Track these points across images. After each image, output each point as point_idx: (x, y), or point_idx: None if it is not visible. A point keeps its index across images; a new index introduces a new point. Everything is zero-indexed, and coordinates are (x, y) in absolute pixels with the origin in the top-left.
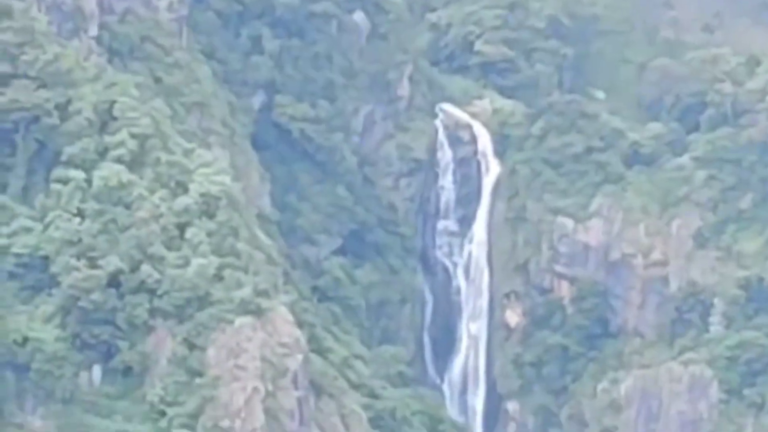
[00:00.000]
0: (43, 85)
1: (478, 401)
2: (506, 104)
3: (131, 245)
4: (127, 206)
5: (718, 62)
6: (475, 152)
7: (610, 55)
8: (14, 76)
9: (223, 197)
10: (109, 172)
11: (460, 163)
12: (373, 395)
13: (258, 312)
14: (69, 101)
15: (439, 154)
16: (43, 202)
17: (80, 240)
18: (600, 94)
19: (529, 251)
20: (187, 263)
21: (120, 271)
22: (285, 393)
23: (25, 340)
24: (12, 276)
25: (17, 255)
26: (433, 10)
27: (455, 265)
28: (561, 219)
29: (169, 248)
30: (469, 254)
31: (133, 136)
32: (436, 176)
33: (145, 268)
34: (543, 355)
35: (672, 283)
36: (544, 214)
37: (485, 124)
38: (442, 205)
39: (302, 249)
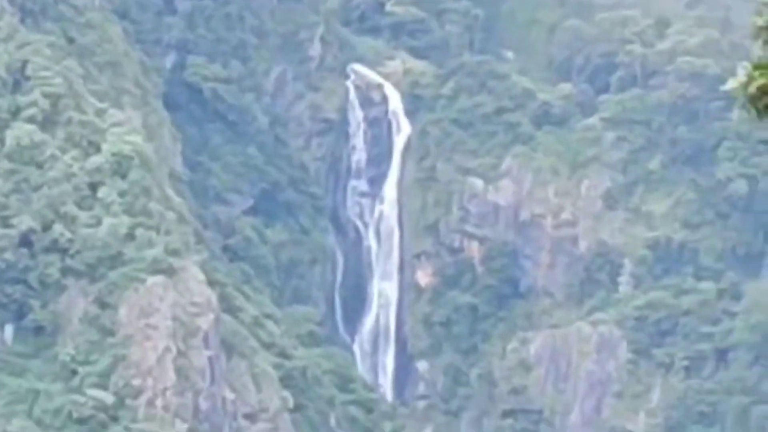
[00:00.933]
0: None
1: (388, 360)
2: (417, 65)
3: (43, 205)
4: (40, 166)
5: (628, 23)
6: (386, 112)
7: (521, 15)
8: None
9: (135, 157)
10: (21, 131)
11: (371, 123)
12: (284, 355)
13: (169, 271)
14: None
15: (350, 115)
16: None
17: None
18: (510, 55)
19: (440, 211)
20: (99, 223)
21: (32, 231)
22: (196, 352)
23: None
24: None
25: None
26: None
27: (366, 225)
28: (471, 179)
29: (81, 208)
30: (380, 214)
31: (45, 95)
32: (347, 136)
33: (57, 227)
34: (453, 315)
35: (581, 243)
36: (455, 175)
37: (396, 85)
38: (353, 165)
39: (214, 209)
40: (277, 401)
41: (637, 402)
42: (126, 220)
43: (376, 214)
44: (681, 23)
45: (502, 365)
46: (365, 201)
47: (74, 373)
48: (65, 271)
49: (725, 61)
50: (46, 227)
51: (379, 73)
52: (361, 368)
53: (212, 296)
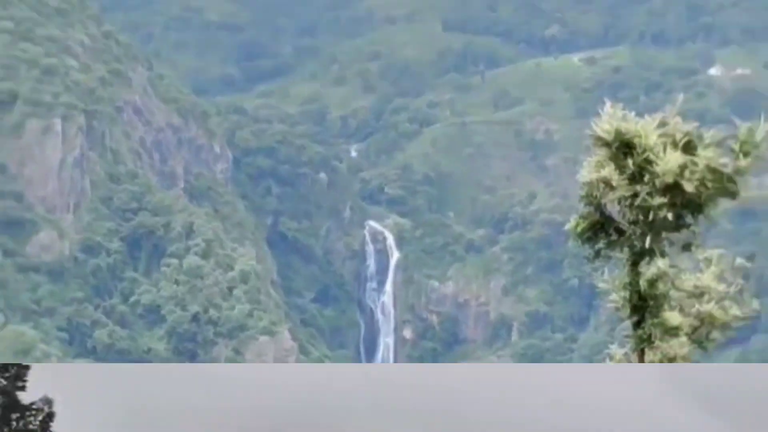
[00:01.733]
0: (155, 215)
1: None
2: (401, 221)
3: (203, 299)
4: (201, 278)
5: (514, 197)
6: (386, 246)
7: (461, 194)
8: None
9: (252, 272)
10: (190, 260)
11: (377, 252)
12: None
13: (271, 333)
14: (168, 223)
15: (366, 248)
16: (156, 277)
17: (177, 296)
18: (451, 215)
19: (415, 299)
20: (233, 308)
21: (198, 312)
22: None
23: (149, 350)
24: (141, 317)
25: (144, 305)
26: (362, 171)
27: (376, 306)
28: (431, 281)
29: (223, 300)
30: (383, 301)
31: (203, 240)
32: (365, 259)
33: (212, 311)
34: (424, 354)
35: (491, 314)
36: (423, 279)
37: (391, 231)
38: (368, 275)
39: (294, 299)
40: None
41: None
42: (248, 307)
43: (381, 300)
44: (542, 196)
45: None
46: (375, 294)
47: None
48: (216, 334)
49: (566, 215)
50: (205, 311)
51: (381, 225)
52: None
53: (294, 346)
